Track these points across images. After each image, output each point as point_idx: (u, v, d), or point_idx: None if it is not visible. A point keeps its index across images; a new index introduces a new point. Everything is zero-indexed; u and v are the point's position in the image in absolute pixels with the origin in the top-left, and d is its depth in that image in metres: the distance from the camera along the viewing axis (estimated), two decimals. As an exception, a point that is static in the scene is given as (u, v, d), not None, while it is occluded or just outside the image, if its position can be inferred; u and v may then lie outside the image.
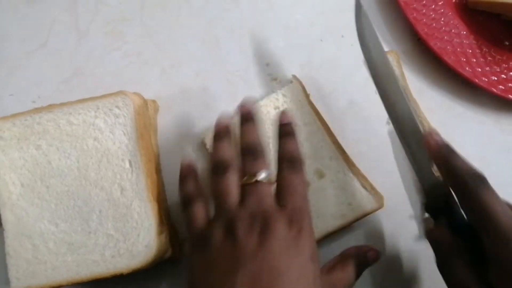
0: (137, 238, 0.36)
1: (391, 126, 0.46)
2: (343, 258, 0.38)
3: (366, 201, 0.42)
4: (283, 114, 0.39)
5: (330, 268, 0.37)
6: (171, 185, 0.44)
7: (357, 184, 0.43)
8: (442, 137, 0.35)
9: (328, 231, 0.41)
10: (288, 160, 0.36)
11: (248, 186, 0.34)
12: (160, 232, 0.36)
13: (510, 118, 0.47)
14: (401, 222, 0.44)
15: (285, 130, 0.38)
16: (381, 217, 0.44)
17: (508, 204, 0.33)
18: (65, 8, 0.51)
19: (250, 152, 0.36)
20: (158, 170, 0.42)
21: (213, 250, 0.33)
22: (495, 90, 0.45)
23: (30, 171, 0.37)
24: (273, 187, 0.35)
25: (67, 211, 0.37)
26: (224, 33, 0.50)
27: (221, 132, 0.38)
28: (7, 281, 0.35)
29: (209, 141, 0.44)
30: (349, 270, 0.36)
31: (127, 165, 0.37)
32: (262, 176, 0.34)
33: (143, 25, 0.50)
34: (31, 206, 0.37)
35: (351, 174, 0.43)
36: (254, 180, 0.34)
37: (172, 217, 0.43)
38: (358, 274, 0.37)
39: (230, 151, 0.37)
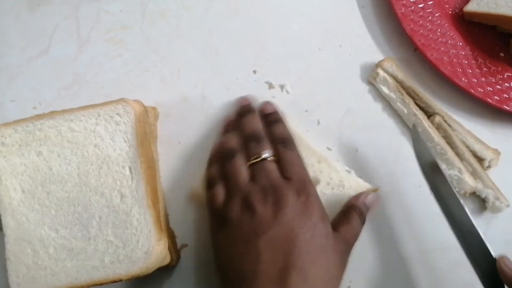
0: (137, 245, 0.36)
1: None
2: (345, 212, 0.40)
3: (364, 190, 0.43)
4: (267, 104, 0.45)
5: (336, 224, 0.39)
6: (170, 191, 0.45)
7: (352, 176, 0.43)
8: None
9: None
10: (282, 141, 0.40)
11: (255, 164, 0.39)
12: (159, 239, 0.36)
13: (505, 128, 0.48)
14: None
15: (273, 118, 0.43)
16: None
17: None
18: (66, 16, 0.51)
19: (254, 138, 0.41)
20: (157, 177, 0.43)
21: (232, 225, 0.36)
22: (490, 101, 0.46)
23: (31, 177, 0.38)
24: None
25: (67, 217, 0.37)
26: (223, 42, 0.50)
27: (228, 127, 0.44)
28: (7, 287, 0.36)
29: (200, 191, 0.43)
30: (354, 221, 0.39)
31: (127, 172, 0.38)
32: (266, 154, 0.39)
33: (143, 33, 0.50)
34: (31, 211, 0.37)
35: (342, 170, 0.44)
36: (260, 159, 0.39)
37: (171, 224, 0.44)
38: (362, 222, 0.40)
39: (236, 140, 0.41)
